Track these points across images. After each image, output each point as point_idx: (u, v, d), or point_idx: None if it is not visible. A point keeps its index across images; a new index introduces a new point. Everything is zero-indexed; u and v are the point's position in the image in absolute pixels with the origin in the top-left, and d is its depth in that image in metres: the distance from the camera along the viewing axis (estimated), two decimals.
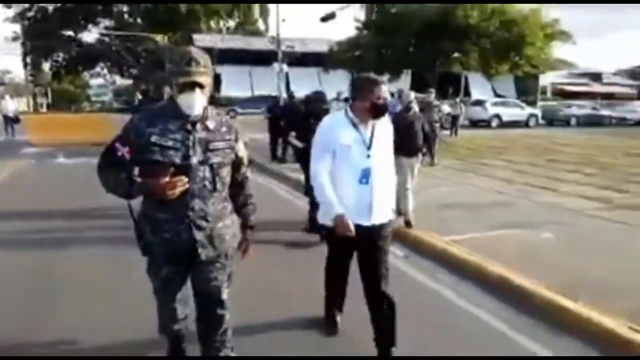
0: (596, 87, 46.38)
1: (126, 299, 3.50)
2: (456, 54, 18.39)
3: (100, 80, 47.44)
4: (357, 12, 22.48)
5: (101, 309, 3.43)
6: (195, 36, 34.15)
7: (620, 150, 13.64)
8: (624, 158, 11.90)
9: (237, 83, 33.85)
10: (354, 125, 2.72)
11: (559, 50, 20.46)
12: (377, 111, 2.70)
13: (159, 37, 25.54)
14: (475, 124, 23.28)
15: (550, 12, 18.52)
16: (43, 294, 3.77)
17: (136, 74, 39.14)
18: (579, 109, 26.42)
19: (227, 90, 32.28)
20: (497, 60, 17.96)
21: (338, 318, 3.19)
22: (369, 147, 2.70)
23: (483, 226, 5.36)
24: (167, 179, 2.05)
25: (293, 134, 5.84)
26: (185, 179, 2.07)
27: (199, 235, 2.20)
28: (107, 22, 38.86)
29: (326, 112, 4.84)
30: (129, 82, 43.08)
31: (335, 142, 2.70)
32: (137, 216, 2.28)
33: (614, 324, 3.13)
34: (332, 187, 2.71)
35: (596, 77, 48.94)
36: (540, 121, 25.32)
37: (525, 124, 24.11)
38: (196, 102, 2.10)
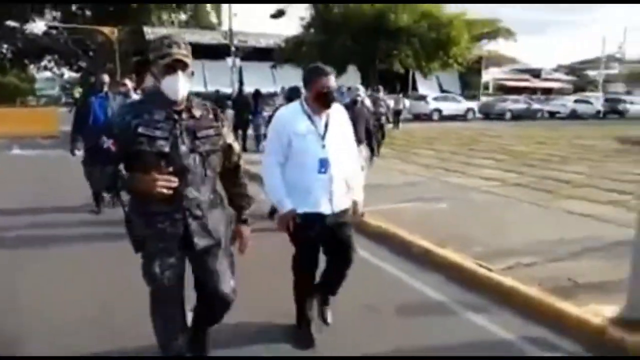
0: (536, 83, 49.39)
1: (92, 294, 3.61)
2: (394, 52, 19.94)
3: (48, 74, 46.06)
4: (305, 10, 23.48)
5: (64, 305, 3.47)
6: (146, 29, 33.95)
7: (535, 139, 15.36)
8: (534, 146, 13.55)
9: None
10: (308, 116, 2.80)
11: (502, 47, 22.56)
12: (323, 100, 2.77)
13: (107, 30, 25.39)
14: (418, 117, 24.87)
15: (496, 10, 20.46)
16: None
17: (86, 67, 38.43)
18: (513, 103, 28.51)
19: None
20: (427, 59, 19.72)
21: (312, 327, 3.06)
22: (323, 137, 2.79)
23: (392, 201, 6.49)
24: (156, 175, 2.00)
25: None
26: (176, 180, 2.03)
27: (193, 224, 2.17)
28: (54, 13, 37.87)
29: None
30: (78, 75, 42.15)
31: (289, 133, 2.76)
32: (127, 210, 2.22)
33: (465, 261, 4.31)
34: (281, 180, 2.79)
35: (536, 73, 51.95)
36: (478, 115, 27.27)
37: (463, 118, 25.95)
38: (180, 85, 2.07)
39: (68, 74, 45.83)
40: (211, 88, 33.09)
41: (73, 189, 6.44)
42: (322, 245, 2.96)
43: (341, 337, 3.13)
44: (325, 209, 2.80)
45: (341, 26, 19.16)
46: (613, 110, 30.24)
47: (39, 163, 10.30)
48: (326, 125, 2.82)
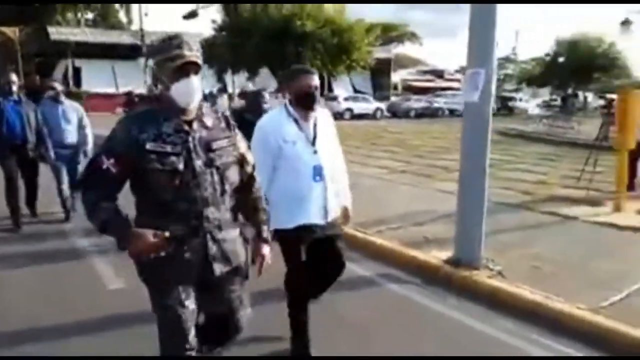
0: (440, 83, 53.23)
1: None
2: (303, 56, 21.23)
3: None
4: (217, 12, 24.02)
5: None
6: (51, 29, 32.37)
7: (431, 134, 17.22)
8: (428, 140, 15.29)
9: (99, 78, 31.55)
10: (295, 121, 2.65)
11: (414, 50, 24.80)
12: (308, 100, 2.62)
13: (8, 30, 24.10)
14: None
15: (407, 14, 22.53)
16: None
17: None
18: (416, 102, 30.96)
19: (89, 86, 31.19)
20: (332, 62, 21.35)
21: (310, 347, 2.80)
22: (313, 143, 2.65)
23: None
24: (154, 239, 1.74)
25: None
26: (169, 244, 1.78)
27: (214, 249, 1.92)
28: None
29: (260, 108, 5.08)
30: None
31: (278, 140, 2.58)
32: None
33: (348, 228, 5.32)
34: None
35: (439, 73, 55.88)
36: (387, 114, 29.31)
37: (373, 116, 27.80)
38: (195, 90, 1.84)
39: None
40: (122, 89, 32.39)
41: None
42: (313, 256, 2.77)
43: None
44: (320, 219, 2.67)
45: (251, 30, 20.11)
46: (505, 107, 33.79)
47: None
48: (314, 130, 2.68)
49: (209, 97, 15.85)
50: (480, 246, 4.21)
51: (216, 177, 1.91)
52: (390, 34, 41.32)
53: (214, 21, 23.42)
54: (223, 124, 2.00)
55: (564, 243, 4.84)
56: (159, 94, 1.90)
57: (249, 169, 2.13)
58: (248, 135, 5.09)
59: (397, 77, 49.93)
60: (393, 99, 36.68)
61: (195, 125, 1.89)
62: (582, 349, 3.01)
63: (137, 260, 1.88)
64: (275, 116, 2.74)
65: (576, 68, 35.68)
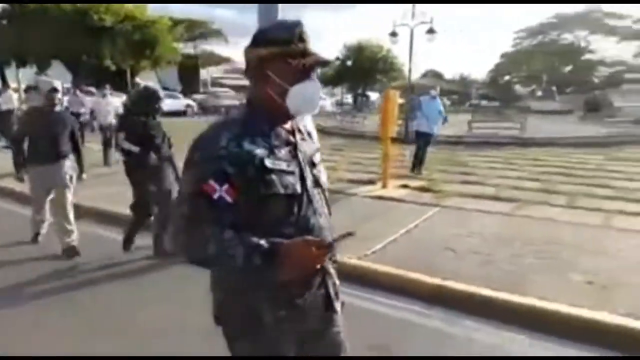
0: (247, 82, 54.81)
1: None
2: (102, 50, 20.07)
3: None
4: None
5: None
6: None
7: None
8: None
9: None
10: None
11: (216, 47, 24.96)
12: None
13: None
14: None
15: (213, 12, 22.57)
16: None
17: None
18: (226, 99, 31.63)
19: None
20: (134, 58, 20.77)
21: None
22: None
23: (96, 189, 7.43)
24: (312, 244, 1.32)
25: (122, 135, 4.66)
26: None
27: (330, 284, 1.56)
28: None
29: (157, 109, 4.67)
30: None
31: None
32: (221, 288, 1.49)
33: None
34: None
35: None
36: (197, 111, 29.27)
37: (184, 114, 27.49)
38: (319, 96, 1.50)
39: None
40: None
41: None
42: None
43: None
44: None
45: (38, 21, 18.07)
46: None
47: None
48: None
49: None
50: None
51: (323, 200, 1.56)
52: (196, 31, 41.09)
53: None
54: (310, 131, 1.64)
55: (344, 213, 6.07)
56: (256, 94, 1.46)
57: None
58: (145, 143, 4.63)
59: (206, 74, 49.91)
60: (204, 96, 36.69)
61: (297, 135, 1.52)
62: (357, 289, 3.86)
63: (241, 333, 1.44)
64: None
65: (363, 71, 41.00)
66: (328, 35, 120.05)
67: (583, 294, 3.73)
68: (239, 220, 1.33)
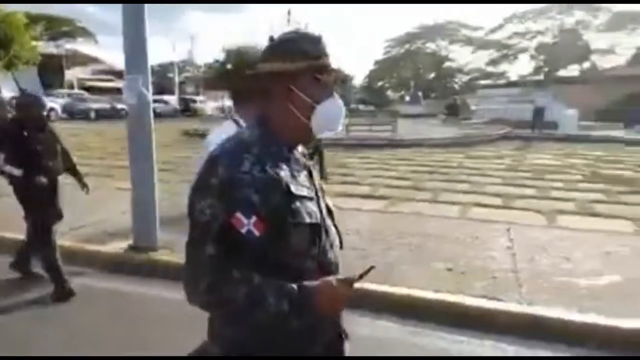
0: (120, 83, 51.49)
1: None
2: None
3: None
4: None
5: None
6: None
7: (111, 135, 17.03)
8: (107, 141, 15.19)
9: None
10: None
11: (82, 46, 22.65)
12: None
13: None
14: None
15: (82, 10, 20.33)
16: None
17: None
18: (96, 103, 29.38)
19: None
20: None
21: None
22: None
23: None
24: (343, 288, 1.23)
25: (2, 156, 3.88)
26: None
27: (343, 325, 1.43)
28: None
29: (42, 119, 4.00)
30: None
31: None
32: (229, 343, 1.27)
33: None
34: None
35: (120, 74, 53.88)
36: (63, 115, 26.67)
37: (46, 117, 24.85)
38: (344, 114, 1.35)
39: None
40: None
41: None
42: None
43: None
44: None
45: None
46: (187, 109, 35.59)
47: None
48: None
49: None
50: (156, 231, 4.91)
51: (334, 228, 1.43)
52: (59, 29, 37.44)
53: None
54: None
55: None
56: (273, 112, 1.30)
57: None
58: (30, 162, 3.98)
59: (71, 75, 45.81)
60: (68, 99, 33.55)
61: (307, 157, 1.39)
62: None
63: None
64: None
65: (242, 74, 40.80)
66: (203, 37, 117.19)
67: (444, 280, 4.14)
68: (262, 256, 1.16)
